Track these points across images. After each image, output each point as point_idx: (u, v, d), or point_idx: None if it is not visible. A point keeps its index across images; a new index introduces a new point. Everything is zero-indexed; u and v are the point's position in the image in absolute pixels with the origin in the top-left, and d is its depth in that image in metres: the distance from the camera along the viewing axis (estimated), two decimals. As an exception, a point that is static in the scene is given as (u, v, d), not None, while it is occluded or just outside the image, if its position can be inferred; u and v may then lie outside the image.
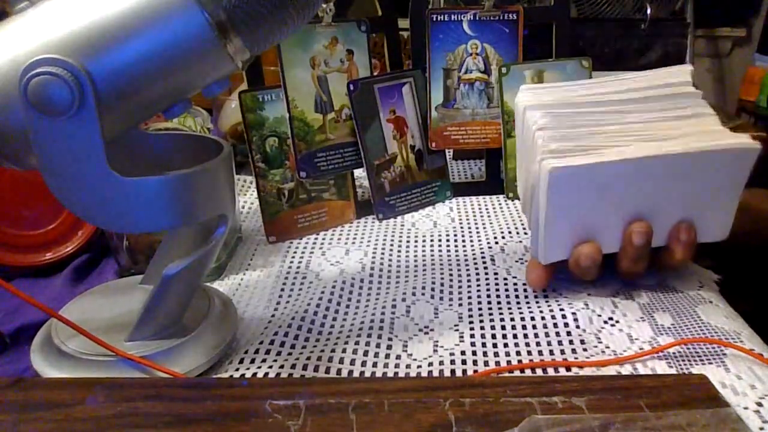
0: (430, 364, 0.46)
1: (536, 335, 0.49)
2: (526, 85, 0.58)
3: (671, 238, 0.52)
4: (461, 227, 0.69)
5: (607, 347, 0.47)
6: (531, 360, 0.46)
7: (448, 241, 0.66)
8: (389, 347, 0.48)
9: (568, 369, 0.45)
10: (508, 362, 0.46)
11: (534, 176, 0.50)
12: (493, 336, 0.49)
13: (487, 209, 0.73)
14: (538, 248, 0.52)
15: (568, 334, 0.49)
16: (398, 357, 0.47)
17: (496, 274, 0.58)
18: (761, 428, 0.38)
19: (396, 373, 0.45)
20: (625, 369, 0.45)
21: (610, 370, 0.45)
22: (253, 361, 0.46)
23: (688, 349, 0.46)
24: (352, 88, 0.68)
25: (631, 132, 0.51)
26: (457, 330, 0.50)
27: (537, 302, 0.53)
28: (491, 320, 0.51)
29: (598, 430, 0.34)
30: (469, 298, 0.55)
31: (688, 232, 0.51)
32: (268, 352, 0.47)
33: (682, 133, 0.50)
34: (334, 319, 0.52)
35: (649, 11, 0.86)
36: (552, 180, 0.48)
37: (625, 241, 0.51)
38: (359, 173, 0.71)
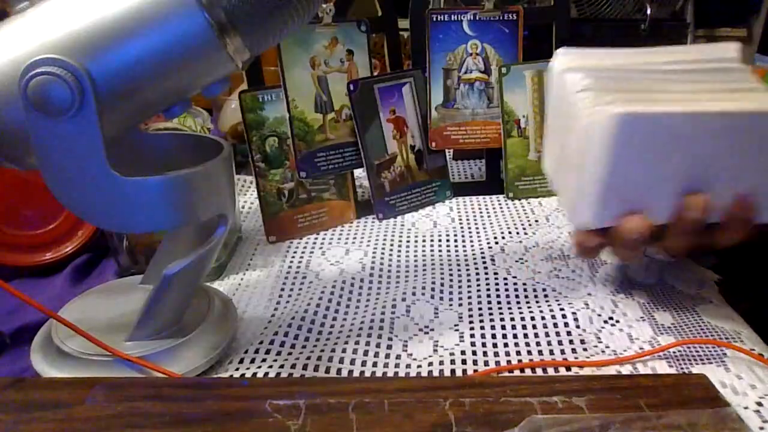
0: (430, 364, 0.46)
1: (536, 335, 0.49)
2: (563, 49, 0.52)
3: (728, 214, 0.46)
4: (461, 227, 0.69)
5: (607, 347, 0.47)
6: (531, 360, 0.46)
7: (448, 241, 0.66)
8: (389, 347, 0.48)
9: (568, 369, 0.45)
10: (508, 362, 0.46)
11: (581, 134, 0.45)
12: (493, 336, 0.49)
13: (487, 209, 0.73)
14: (581, 212, 0.47)
15: (568, 334, 0.49)
16: (398, 357, 0.47)
17: (496, 274, 0.58)
18: (761, 428, 0.38)
19: (396, 373, 0.45)
20: (625, 369, 0.45)
21: (610, 370, 0.45)
22: (253, 360, 0.46)
23: (688, 348, 0.46)
24: (352, 88, 0.68)
25: (684, 100, 0.45)
26: (457, 330, 0.50)
27: (537, 302, 0.53)
28: (491, 320, 0.51)
29: (598, 429, 0.34)
30: (469, 298, 0.55)
31: (747, 210, 0.45)
32: (268, 351, 0.47)
33: (745, 99, 0.45)
34: (334, 318, 0.52)
35: (649, 11, 0.86)
36: (615, 126, 0.43)
37: (677, 214, 0.45)
38: (359, 173, 0.71)
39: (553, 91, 0.52)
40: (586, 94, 0.46)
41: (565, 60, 0.51)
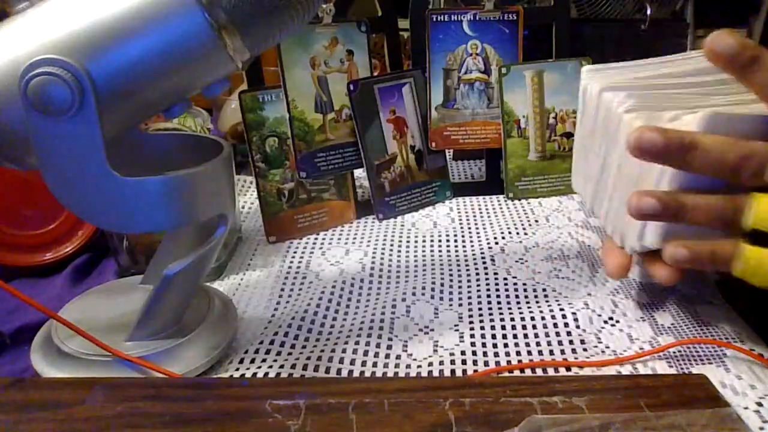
0: (430, 364, 0.46)
1: (536, 335, 0.49)
2: (587, 69, 0.51)
3: None
4: (461, 227, 0.69)
5: (607, 347, 0.47)
6: (531, 360, 0.46)
7: (448, 241, 0.66)
8: (389, 347, 0.48)
9: (569, 369, 0.45)
10: (508, 362, 0.46)
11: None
12: (493, 336, 0.49)
13: (487, 209, 0.73)
14: (647, 233, 0.45)
15: (568, 334, 0.49)
16: (398, 357, 0.47)
17: (496, 274, 0.58)
18: (761, 428, 0.38)
19: (396, 373, 0.45)
20: (625, 369, 0.45)
21: (611, 370, 0.45)
22: (253, 360, 0.46)
23: (688, 349, 0.46)
24: (352, 88, 0.68)
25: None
26: (457, 330, 0.50)
27: (537, 302, 0.53)
28: (491, 320, 0.51)
29: (598, 430, 0.34)
30: (469, 298, 0.55)
31: None
32: (268, 352, 0.47)
33: None
34: (334, 319, 0.52)
35: (649, 11, 0.86)
36: (703, 125, 0.41)
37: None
38: (359, 173, 0.71)
39: (589, 112, 0.51)
40: (636, 114, 0.45)
41: (595, 79, 0.50)
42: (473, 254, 0.63)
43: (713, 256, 0.42)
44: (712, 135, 0.41)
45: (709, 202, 0.42)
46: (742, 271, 0.41)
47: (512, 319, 0.51)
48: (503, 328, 0.50)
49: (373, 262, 0.62)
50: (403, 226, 0.70)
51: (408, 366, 0.46)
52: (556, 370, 0.45)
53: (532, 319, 0.51)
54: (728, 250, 0.42)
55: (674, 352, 0.46)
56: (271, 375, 0.44)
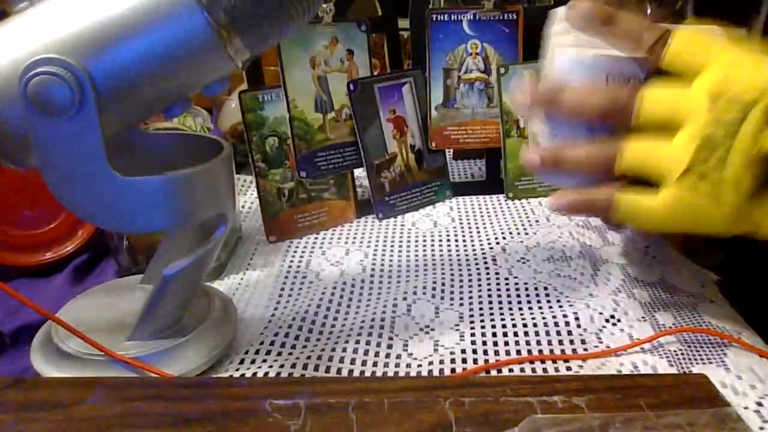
0: (431, 364, 0.46)
1: (537, 334, 0.49)
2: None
3: None
4: (461, 227, 0.69)
5: (608, 347, 0.47)
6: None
7: (448, 240, 0.66)
8: (390, 347, 0.48)
9: (569, 369, 0.45)
10: (509, 362, 0.46)
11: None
12: (494, 335, 0.49)
13: (487, 209, 0.73)
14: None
15: (569, 333, 0.49)
16: (398, 356, 0.47)
17: (497, 273, 0.58)
18: (761, 428, 0.38)
19: (396, 373, 0.45)
20: (625, 368, 0.45)
21: (610, 369, 0.45)
22: (253, 360, 0.46)
23: (689, 348, 0.46)
24: (352, 87, 0.68)
25: None
26: (458, 329, 0.50)
27: (538, 301, 0.53)
28: (492, 320, 0.51)
29: (598, 429, 0.34)
30: (470, 297, 0.55)
31: None
32: (268, 351, 0.47)
33: None
34: (335, 318, 0.52)
35: (649, 11, 0.86)
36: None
37: None
38: (359, 173, 0.71)
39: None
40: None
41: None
42: (474, 254, 0.63)
43: (591, 204, 0.44)
44: (578, 83, 0.44)
45: (586, 153, 0.43)
46: (620, 218, 0.42)
47: (513, 319, 0.51)
48: (504, 327, 0.50)
49: (373, 262, 0.62)
50: (403, 225, 0.70)
51: (408, 365, 0.46)
52: (556, 369, 0.45)
53: (533, 318, 0.51)
54: (604, 199, 0.42)
55: (675, 351, 0.46)
56: (271, 375, 0.44)
